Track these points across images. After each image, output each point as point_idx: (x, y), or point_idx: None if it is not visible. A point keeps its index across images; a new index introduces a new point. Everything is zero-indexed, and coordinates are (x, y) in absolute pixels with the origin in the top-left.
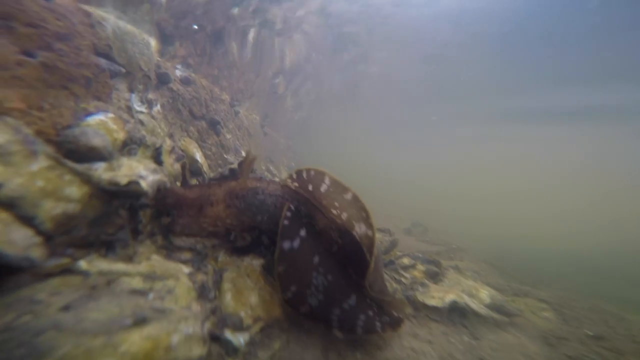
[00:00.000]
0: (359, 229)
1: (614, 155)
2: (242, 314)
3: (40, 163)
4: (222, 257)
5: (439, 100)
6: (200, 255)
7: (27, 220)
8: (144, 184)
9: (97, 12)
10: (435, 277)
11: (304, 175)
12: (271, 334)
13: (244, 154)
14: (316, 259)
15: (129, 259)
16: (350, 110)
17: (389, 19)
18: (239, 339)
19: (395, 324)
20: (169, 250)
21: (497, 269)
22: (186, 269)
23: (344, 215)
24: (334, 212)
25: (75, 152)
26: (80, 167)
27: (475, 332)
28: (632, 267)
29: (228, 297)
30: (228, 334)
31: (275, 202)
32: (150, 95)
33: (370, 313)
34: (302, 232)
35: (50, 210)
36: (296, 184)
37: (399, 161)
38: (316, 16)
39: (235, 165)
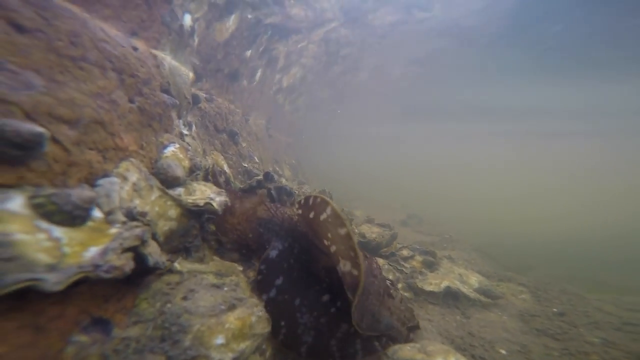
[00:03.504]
0: (344, 267)
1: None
2: None
3: (155, 194)
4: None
5: (427, 101)
6: (244, 255)
7: (153, 236)
8: (215, 205)
9: (159, 53)
10: (431, 266)
11: (310, 201)
12: None
13: (256, 159)
14: (297, 301)
15: (201, 260)
16: (342, 110)
17: (384, 37)
18: None
19: (394, 339)
20: (221, 252)
21: (486, 256)
22: (239, 267)
23: (333, 248)
24: (326, 242)
25: (164, 182)
26: (174, 194)
27: (466, 312)
28: (610, 252)
29: None
30: None
31: (269, 239)
32: (189, 118)
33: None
34: (278, 281)
35: (162, 227)
36: (300, 211)
37: (398, 157)
38: (316, 45)
39: (261, 177)
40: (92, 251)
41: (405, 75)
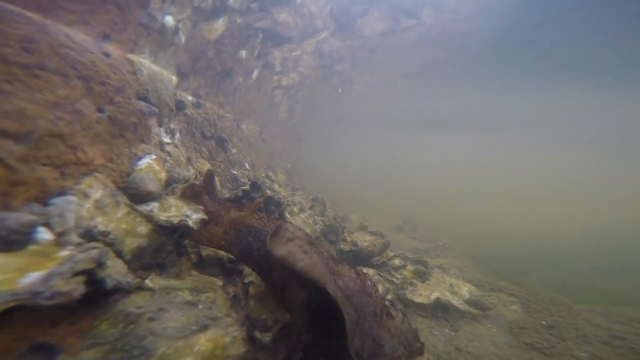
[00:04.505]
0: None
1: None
2: (264, 317)
3: (122, 210)
4: (245, 269)
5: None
6: (226, 269)
7: (119, 254)
8: (190, 222)
9: (137, 59)
10: (422, 276)
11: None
12: (289, 332)
13: (247, 166)
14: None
15: (177, 275)
16: (339, 113)
17: (375, 52)
18: (265, 338)
19: None
20: (201, 266)
21: (479, 263)
22: (219, 282)
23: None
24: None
25: (136, 196)
26: (145, 210)
27: (455, 325)
28: (602, 257)
29: (252, 304)
30: (257, 334)
31: (260, 248)
32: (172, 125)
33: None
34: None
35: (130, 245)
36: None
37: (395, 162)
38: (310, 57)
39: (247, 187)
40: (32, 277)
41: (398, 88)
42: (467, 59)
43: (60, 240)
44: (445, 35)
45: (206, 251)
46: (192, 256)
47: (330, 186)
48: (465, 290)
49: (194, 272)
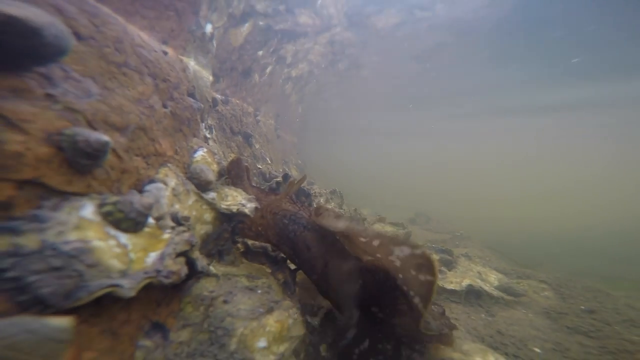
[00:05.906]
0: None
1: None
2: (311, 303)
3: (192, 198)
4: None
5: (431, 97)
6: (271, 257)
7: None
8: (247, 210)
9: (184, 58)
10: (449, 264)
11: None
12: (334, 318)
13: (269, 160)
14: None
15: (232, 263)
16: (346, 105)
17: (387, 37)
18: (315, 322)
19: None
20: (249, 255)
21: (498, 253)
22: (267, 269)
23: (375, 242)
24: (363, 240)
25: (198, 186)
26: (209, 198)
27: (491, 310)
28: (614, 247)
29: (297, 290)
30: (309, 318)
31: (295, 230)
32: (210, 121)
33: (381, 358)
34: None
35: (199, 231)
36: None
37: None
38: (322, 46)
39: (280, 179)
40: (152, 257)
41: (408, 70)
42: (475, 38)
43: (160, 223)
44: (456, 21)
45: (251, 240)
46: (239, 245)
47: (338, 181)
48: (494, 277)
49: (244, 260)
